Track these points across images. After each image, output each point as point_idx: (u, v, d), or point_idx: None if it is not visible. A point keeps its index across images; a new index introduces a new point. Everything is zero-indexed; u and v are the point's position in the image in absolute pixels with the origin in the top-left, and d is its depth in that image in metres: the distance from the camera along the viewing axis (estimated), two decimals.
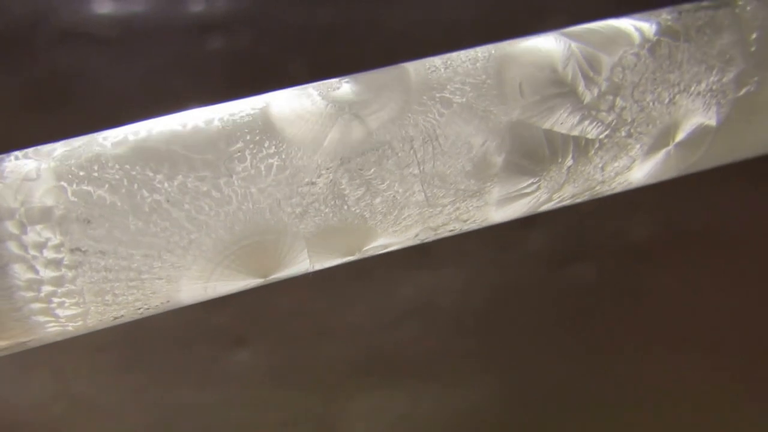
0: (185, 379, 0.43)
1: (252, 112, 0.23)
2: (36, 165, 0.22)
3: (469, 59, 0.25)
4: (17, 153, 0.22)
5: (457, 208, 0.25)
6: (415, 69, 0.24)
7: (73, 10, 0.42)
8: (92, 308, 0.24)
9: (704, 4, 0.26)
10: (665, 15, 0.26)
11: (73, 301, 0.23)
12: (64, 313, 0.23)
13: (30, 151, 0.22)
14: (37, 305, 0.23)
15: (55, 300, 0.23)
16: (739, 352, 0.45)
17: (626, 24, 0.26)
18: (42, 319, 0.23)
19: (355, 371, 0.45)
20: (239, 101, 0.23)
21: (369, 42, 0.44)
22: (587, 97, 0.25)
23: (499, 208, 0.26)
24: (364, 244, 0.25)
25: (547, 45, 0.25)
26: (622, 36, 0.26)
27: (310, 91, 0.24)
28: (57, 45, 0.42)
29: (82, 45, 0.42)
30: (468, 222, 0.26)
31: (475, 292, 0.45)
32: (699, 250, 0.46)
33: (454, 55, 0.24)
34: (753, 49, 0.27)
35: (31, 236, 0.22)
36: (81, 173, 0.22)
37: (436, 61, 0.25)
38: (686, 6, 0.26)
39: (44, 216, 0.22)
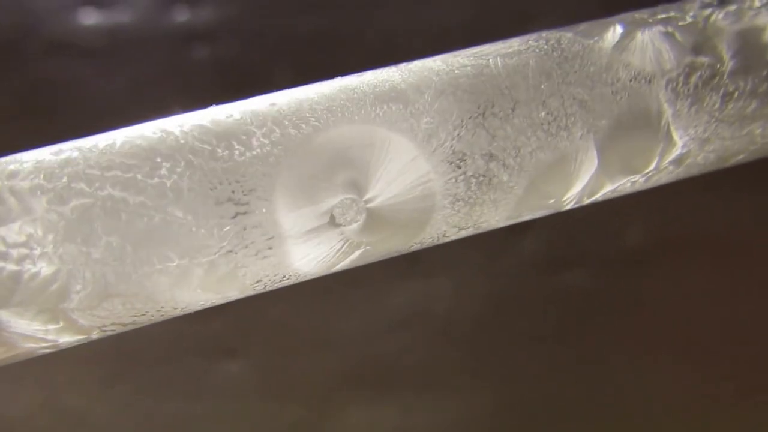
0: (175, 391, 0.43)
1: (271, 254, 0.24)
2: None
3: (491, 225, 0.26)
4: None
5: None
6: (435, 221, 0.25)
7: (60, 21, 0.42)
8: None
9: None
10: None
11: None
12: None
13: None
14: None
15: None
16: (738, 360, 0.44)
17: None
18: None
19: (347, 382, 0.44)
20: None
21: (354, 49, 0.44)
22: None
23: None
24: None
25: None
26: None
27: (329, 220, 0.24)
28: (44, 56, 0.42)
29: (68, 56, 0.42)
30: None
31: (467, 301, 0.45)
32: (695, 256, 0.45)
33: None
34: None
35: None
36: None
37: (465, 222, 0.26)
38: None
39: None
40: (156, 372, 0.43)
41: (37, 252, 0.22)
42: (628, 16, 0.27)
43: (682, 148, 0.26)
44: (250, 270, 0.24)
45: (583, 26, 0.26)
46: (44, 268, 0.22)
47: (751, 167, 0.33)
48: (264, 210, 0.23)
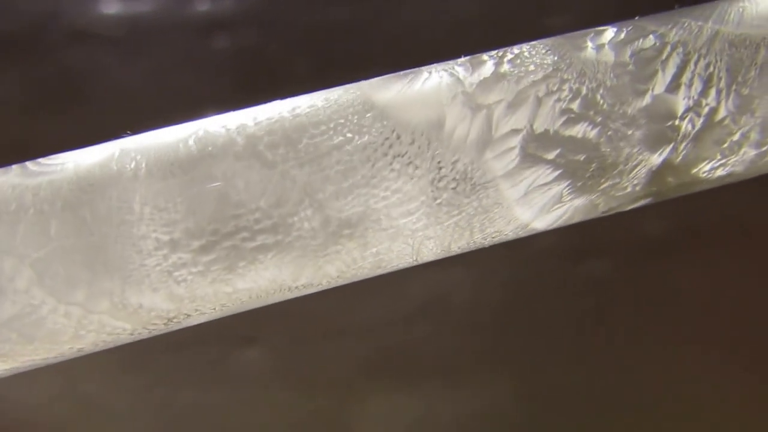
0: (193, 378, 0.43)
1: None
2: None
3: None
4: None
5: None
6: None
7: (82, 10, 0.42)
8: None
9: None
10: None
11: None
12: None
13: None
14: None
15: None
16: (764, 349, 0.43)
17: None
18: None
19: (367, 371, 0.44)
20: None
21: (376, 41, 0.44)
22: None
23: None
24: None
25: None
26: None
27: None
28: (66, 45, 0.42)
29: (90, 45, 0.43)
30: None
31: (488, 290, 0.44)
32: (718, 243, 0.45)
33: None
34: None
35: None
36: None
37: None
38: None
39: None
40: (173, 359, 0.43)
41: None
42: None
43: None
44: None
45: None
46: None
47: None
48: None
